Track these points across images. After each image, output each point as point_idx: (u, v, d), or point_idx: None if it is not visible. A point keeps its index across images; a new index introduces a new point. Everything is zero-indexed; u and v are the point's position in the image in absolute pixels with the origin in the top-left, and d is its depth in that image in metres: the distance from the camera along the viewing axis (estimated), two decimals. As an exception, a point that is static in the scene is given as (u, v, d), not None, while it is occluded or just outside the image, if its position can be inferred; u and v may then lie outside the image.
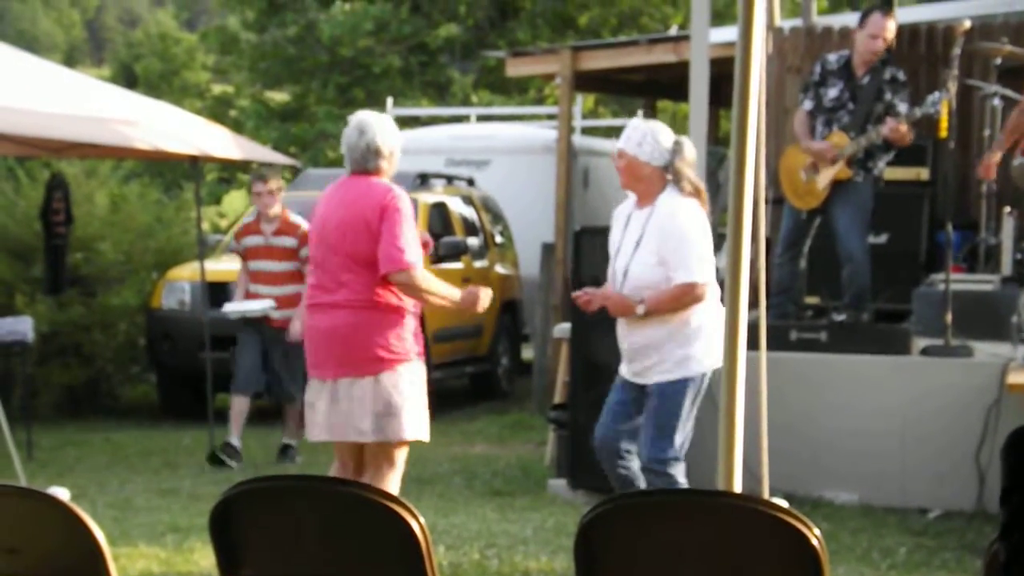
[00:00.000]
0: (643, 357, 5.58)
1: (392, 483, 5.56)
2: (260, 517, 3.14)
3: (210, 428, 9.41)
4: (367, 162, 5.59)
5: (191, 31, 36.48)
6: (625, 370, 5.70)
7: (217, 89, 28.13)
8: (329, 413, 5.51)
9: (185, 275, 10.89)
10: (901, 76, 7.74)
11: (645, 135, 5.62)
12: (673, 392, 5.49)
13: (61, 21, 67.18)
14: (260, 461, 8.95)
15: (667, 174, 5.60)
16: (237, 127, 20.31)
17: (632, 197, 5.74)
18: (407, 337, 5.49)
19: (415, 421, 5.51)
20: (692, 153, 5.68)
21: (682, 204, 5.57)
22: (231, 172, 24.47)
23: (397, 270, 5.40)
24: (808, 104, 7.82)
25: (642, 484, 5.57)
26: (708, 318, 5.48)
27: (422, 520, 2.95)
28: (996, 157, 8.01)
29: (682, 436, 5.54)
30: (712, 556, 2.92)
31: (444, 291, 5.58)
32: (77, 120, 8.77)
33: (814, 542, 2.79)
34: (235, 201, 27.10)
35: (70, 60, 52.25)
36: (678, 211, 5.55)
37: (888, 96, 7.65)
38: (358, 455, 5.66)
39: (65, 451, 9.42)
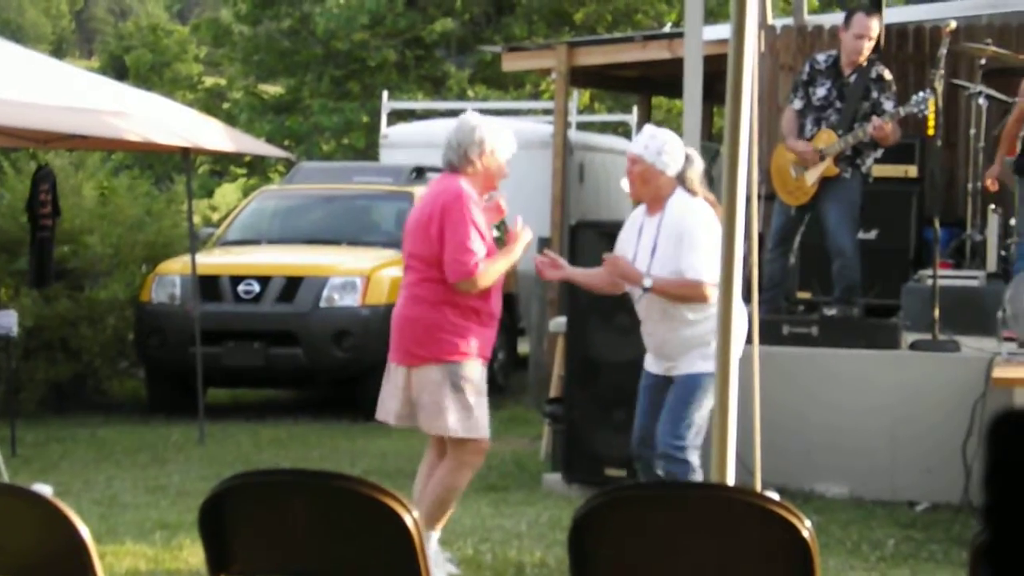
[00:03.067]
0: (672, 355, 5.65)
1: (457, 475, 5.62)
2: (250, 512, 3.12)
3: (200, 423, 9.41)
4: (450, 159, 5.63)
5: (182, 23, 36.43)
6: (654, 366, 5.75)
7: (209, 81, 28.06)
8: (382, 392, 5.71)
9: (176, 269, 10.80)
10: (887, 75, 7.81)
11: (664, 144, 5.66)
12: (696, 383, 5.55)
13: (49, 12, 66.87)
14: (250, 455, 8.94)
15: (677, 182, 5.66)
16: (230, 120, 20.28)
17: (642, 206, 5.78)
18: (448, 336, 5.50)
19: (451, 420, 5.51)
20: (702, 166, 5.76)
21: (692, 204, 5.62)
22: (223, 165, 24.43)
23: (462, 279, 5.47)
24: (797, 103, 7.89)
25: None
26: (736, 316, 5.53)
27: (415, 514, 2.95)
28: (996, 170, 8.10)
29: (699, 426, 5.60)
30: (705, 548, 2.95)
31: (504, 266, 5.61)
32: (65, 111, 8.69)
33: (805, 534, 2.82)
34: (228, 194, 27.05)
35: (58, 52, 52.05)
36: (688, 211, 5.61)
37: (875, 95, 7.71)
38: (439, 445, 5.73)
39: (50, 447, 9.28)
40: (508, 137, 5.69)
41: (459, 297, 5.51)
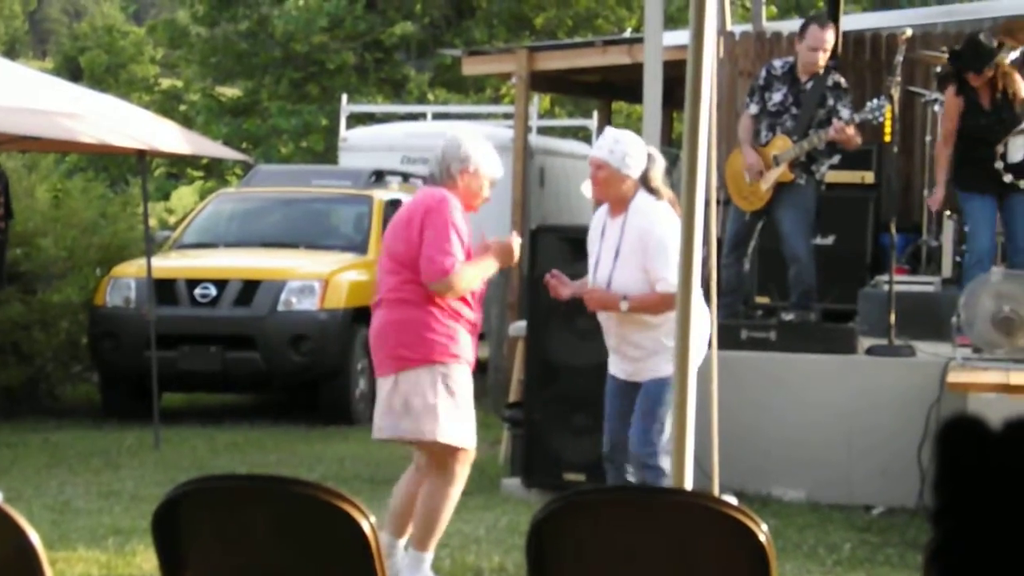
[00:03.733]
0: (637, 359, 5.64)
1: (445, 489, 5.50)
2: (205, 518, 3.09)
3: (155, 428, 9.33)
4: (432, 172, 5.58)
5: (138, 24, 36.18)
6: (618, 370, 5.74)
7: (166, 83, 27.89)
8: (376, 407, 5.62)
9: (131, 272, 10.69)
10: (844, 83, 7.87)
11: (628, 148, 5.66)
12: (662, 388, 5.53)
13: (1, 12, 66.22)
14: (206, 460, 8.87)
15: (639, 184, 5.66)
16: (187, 122, 20.16)
17: (604, 206, 5.78)
18: (438, 339, 5.41)
19: (441, 423, 5.40)
20: (663, 164, 5.75)
21: (656, 208, 5.62)
22: (180, 167, 24.27)
23: (436, 280, 5.37)
24: (754, 108, 7.93)
25: None
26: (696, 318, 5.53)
27: (373, 519, 2.93)
28: (940, 194, 8.20)
29: (669, 429, 5.55)
30: (662, 552, 2.94)
31: (481, 273, 5.53)
32: (18, 112, 8.58)
33: (762, 538, 2.82)
34: (184, 197, 26.89)
35: (11, 52, 51.46)
36: (654, 217, 5.59)
37: (831, 102, 7.77)
38: (427, 462, 5.61)
39: (1, 453, 9.13)
40: (494, 160, 5.61)
41: (443, 298, 5.42)
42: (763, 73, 7.99)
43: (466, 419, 5.48)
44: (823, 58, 7.80)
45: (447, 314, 5.43)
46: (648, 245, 5.54)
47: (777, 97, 7.86)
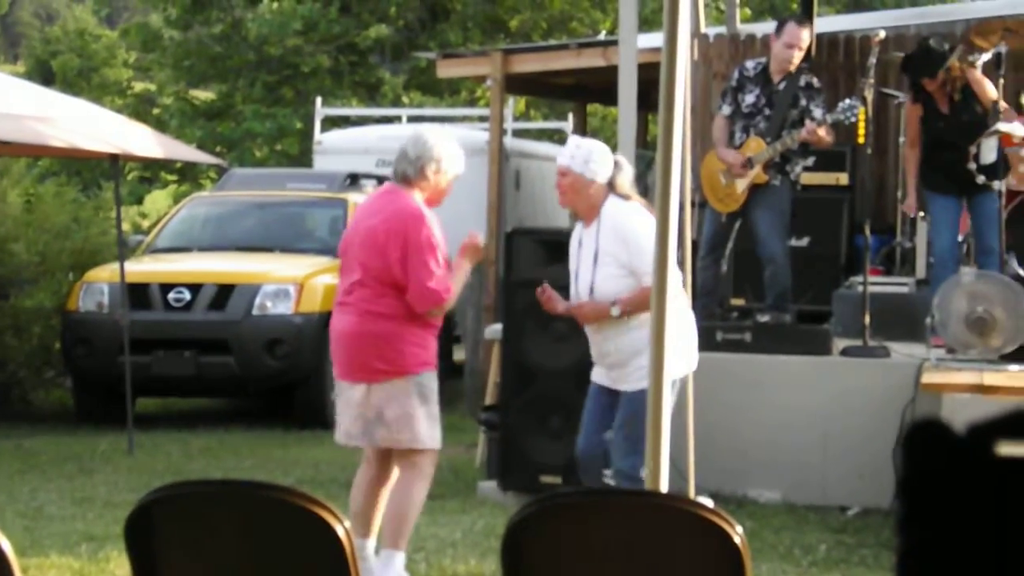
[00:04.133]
0: (620, 364, 5.61)
1: (418, 486, 5.56)
2: (179, 524, 3.07)
3: (129, 433, 9.28)
4: (405, 171, 5.58)
5: (111, 27, 36.02)
6: (601, 376, 5.71)
7: (139, 87, 27.77)
8: (336, 411, 5.66)
9: (104, 276, 10.64)
10: (816, 83, 7.90)
11: (591, 153, 5.65)
12: (641, 399, 5.48)
13: (-29, 16, 65.85)
14: (180, 465, 8.84)
15: (608, 189, 5.65)
16: (160, 126, 20.08)
17: (580, 224, 5.77)
18: (411, 348, 5.48)
19: (416, 431, 5.48)
20: (631, 172, 5.75)
21: (627, 207, 5.61)
22: (153, 171, 24.17)
23: (432, 306, 5.47)
24: (726, 109, 7.95)
25: None
26: (680, 324, 5.52)
27: (347, 524, 2.93)
28: (912, 199, 8.30)
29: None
30: (638, 555, 2.94)
31: (462, 281, 5.65)
32: (-10, 117, 8.59)
33: (737, 540, 2.82)
34: (158, 201, 26.78)
35: (-19, 57, 51.23)
36: (627, 215, 5.59)
37: (804, 102, 7.79)
38: (382, 458, 5.65)
39: (-27, 459, 9.09)
40: (460, 155, 5.69)
41: (393, 309, 5.48)
42: (736, 74, 8.02)
43: (437, 421, 5.59)
44: (798, 56, 7.82)
45: (420, 324, 5.51)
46: (627, 242, 5.53)
47: (750, 98, 7.88)
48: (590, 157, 5.62)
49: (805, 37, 7.86)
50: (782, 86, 7.84)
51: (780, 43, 7.85)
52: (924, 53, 7.93)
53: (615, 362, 5.63)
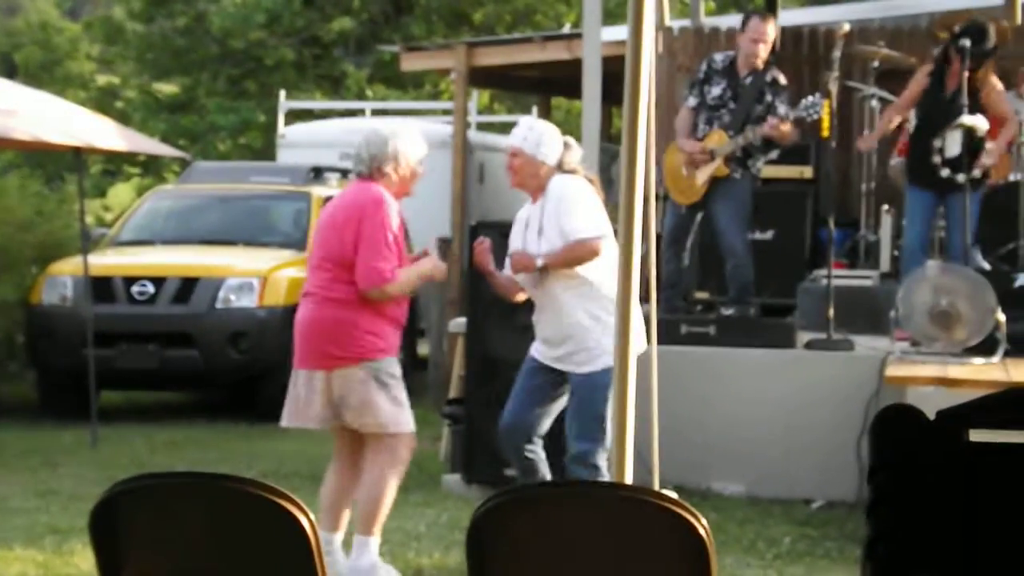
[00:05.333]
0: (564, 344, 5.65)
1: (391, 471, 5.59)
2: (143, 517, 3.06)
3: (93, 426, 9.24)
4: (361, 171, 5.61)
5: (74, 20, 35.77)
6: (542, 354, 5.74)
7: (102, 80, 27.59)
8: (289, 400, 5.65)
9: (68, 270, 10.58)
10: (782, 79, 7.93)
11: (542, 135, 5.74)
12: (598, 383, 5.53)
13: (-65, 9, 65.21)
14: (144, 458, 8.80)
15: (556, 170, 5.72)
16: (124, 119, 19.95)
17: (527, 204, 5.82)
18: (366, 335, 5.49)
19: (380, 416, 5.51)
20: (579, 153, 5.85)
21: (567, 178, 5.71)
22: (117, 164, 24.03)
23: (373, 287, 5.47)
24: (692, 101, 7.98)
25: (546, 470, 5.65)
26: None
27: (312, 516, 2.93)
28: (871, 137, 8.36)
29: (608, 425, 5.55)
30: (603, 547, 2.95)
31: (414, 280, 5.64)
32: (-48, 109, 8.54)
33: (701, 532, 2.83)
34: (121, 194, 26.62)
35: (-55, 49, 50.77)
36: (564, 184, 5.69)
37: (769, 98, 7.82)
38: (352, 443, 5.68)
39: (-63, 452, 9.05)
40: (418, 138, 5.73)
41: (351, 295, 5.52)
42: (703, 66, 8.04)
43: (403, 405, 5.60)
44: (764, 50, 7.84)
45: (376, 311, 5.53)
46: (559, 203, 5.62)
47: (716, 91, 7.91)
48: (541, 140, 5.72)
49: (769, 31, 7.90)
50: (748, 80, 7.87)
51: (745, 38, 7.88)
52: (979, 33, 7.81)
53: (555, 342, 5.67)
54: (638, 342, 5.70)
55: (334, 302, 5.51)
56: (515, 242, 5.84)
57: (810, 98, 7.72)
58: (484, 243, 5.84)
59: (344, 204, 5.64)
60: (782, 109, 7.77)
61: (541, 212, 5.71)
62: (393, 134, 5.65)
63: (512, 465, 5.90)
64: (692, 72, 8.28)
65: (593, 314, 5.58)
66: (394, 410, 5.56)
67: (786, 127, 7.71)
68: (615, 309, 3.73)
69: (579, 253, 5.57)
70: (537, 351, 5.80)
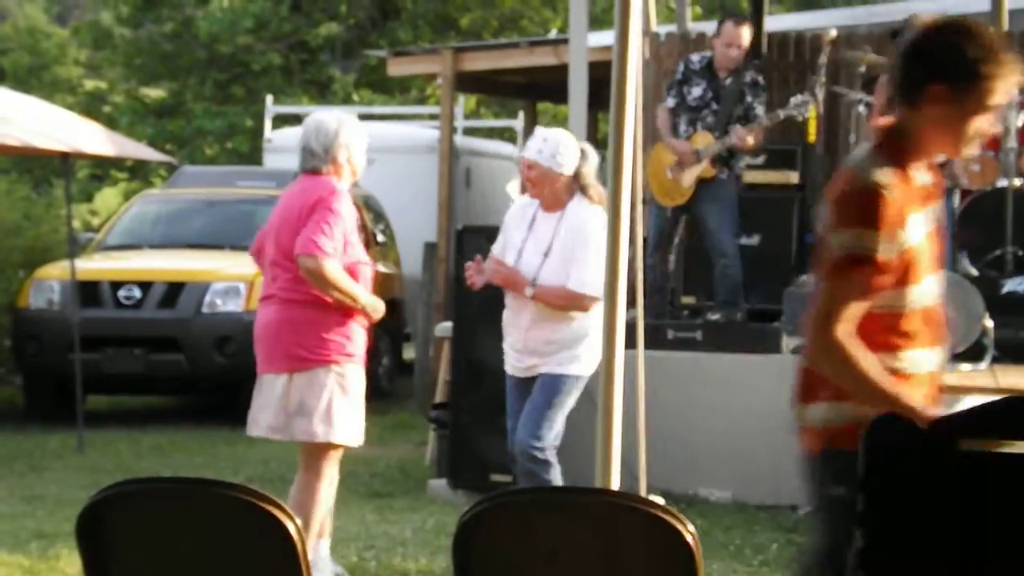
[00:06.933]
0: (536, 355, 5.68)
1: (317, 487, 5.46)
2: (130, 522, 3.05)
3: (79, 431, 9.23)
4: (316, 165, 5.50)
5: (62, 25, 35.71)
6: (516, 368, 5.76)
7: (90, 84, 27.56)
8: (253, 406, 5.54)
9: (55, 274, 10.60)
10: (761, 80, 7.97)
11: (558, 146, 5.68)
12: (558, 384, 5.60)
13: (-77, 13, 65.03)
14: (130, 463, 8.79)
15: (575, 181, 5.67)
16: (111, 123, 19.93)
17: (531, 200, 5.79)
18: (334, 338, 5.39)
19: (335, 424, 5.40)
20: (596, 160, 5.79)
21: (592, 213, 5.65)
22: (104, 169, 24.00)
23: (306, 254, 5.29)
24: (671, 102, 7.97)
25: (560, 481, 5.67)
26: (596, 323, 5.57)
27: (298, 522, 2.93)
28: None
29: (559, 426, 5.66)
30: (589, 553, 2.95)
31: (350, 289, 5.39)
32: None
33: (688, 539, 2.83)
34: (108, 199, 26.58)
35: (-68, 54, 50.59)
36: (589, 222, 5.63)
37: (748, 99, 7.85)
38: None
39: (-76, 456, 9.00)
40: (362, 129, 5.63)
41: (316, 295, 5.39)
42: (681, 67, 8.04)
43: (358, 418, 5.51)
44: (739, 55, 7.88)
45: (342, 313, 5.40)
46: (576, 245, 5.60)
47: (696, 92, 7.92)
48: (557, 150, 5.66)
49: (744, 35, 7.93)
50: (728, 82, 7.89)
51: (719, 43, 7.92)
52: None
53: (527, 352, 5.68)
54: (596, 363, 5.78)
55: (299, 304, 5.38)
56: (514, 232, 5.78)
57: (799, 96, 7.74)
58: (479, 264, 5.79)
59: (299, 201, 5.46)
60: (760, 110, 7.82)
61: (553, 232, 5.66)
62: (340, 123, 5.53)
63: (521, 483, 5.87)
64: (673, 72, 8.25)
65: (568, 330, 5.63)
66: (349, 420, 5.44)
67: (751, 140, 7.73)
68: (603, 315, 3.73)
69: (575, 304, 5.61)
70: (509, 366, 5.81)
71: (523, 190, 6.10)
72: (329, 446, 5.46)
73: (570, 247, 5.62)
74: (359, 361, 5.49)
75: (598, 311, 5.56)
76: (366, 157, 5.62)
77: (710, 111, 7.88)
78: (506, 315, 5.83)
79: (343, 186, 5.49)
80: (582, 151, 5.72)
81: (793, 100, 7.72)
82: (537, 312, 5.67)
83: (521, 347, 5.75)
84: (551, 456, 5.65)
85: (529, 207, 5.80)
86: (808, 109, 7.66)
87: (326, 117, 5.61)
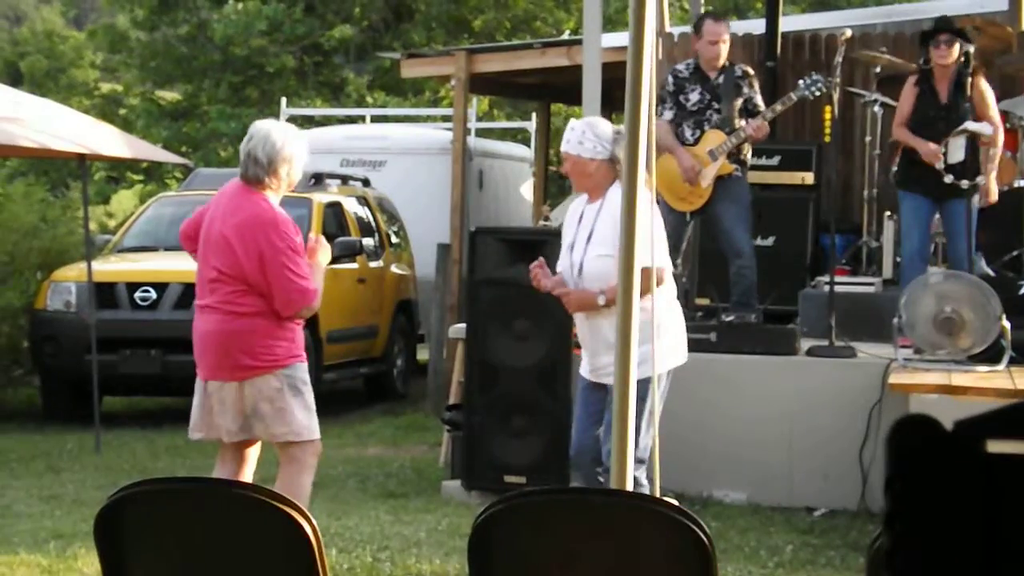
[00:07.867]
0: (607, 355, 5.52)
1: (298, 480, 5.51)
2: (147, 522, 3.07)
3: (96, 431, 9.27)
4: (249, 172, 5.51)
5: (78, 29, 35.84)
6: (587, 372, 5.61)
7: (106, 87, 27.66)
8: (200, 412, 5.55)
9: (72, 276, 10.66)
10: (750, 70, 8.01)
11: (584, 132, 5.53)
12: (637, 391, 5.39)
13: (-61, 18, 65.27)
14: (147, 463, 8.81)
15: (614, 165, 5.46)
16: (127, 126, 20.02)
17: (582, 196, 5.71)
18: (281, 343, 5.42)
19: (292, 424, 5.44)
20: None
21: None
22: (120, 171, 24.09)
23: (307, 305, 5.43)
24: (668, 114, 7.91)
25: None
26: (670, 316, 5.50)
27: (314, 523, 2.92)
28: (930, 146, 7.78)
29: (646, 436, 5.30)
30: (604, 554, 2.95)
31: (320, 277, 5.55)
32: (-42, 117, 8.57)
33: (704, 540, 2.83)
34: (124, 201, 26.67)
35: (-50, 58, 50.79)
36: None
37: (746, 91, 7.87)
38: (238, 455, 5.61)
39: (-58, 457, 9.07)
40: (306, 144, 5.65)
41: (255, 306, 5.43)
42: (669, 79, 8.01)
43: (312, 412, 5.53)
44: (724, 50, 7.88)
45: (285, 317, 5.45)
46: (619, 230, 5.45)
47: (694, 96, 7.91)
48: (584, 137, 5.50)
49: (724, 31, 7.95)
50: (720, 79, 7.89)
51: (703, 42, 7.92)
52: (944, 23, 7.84)
53: (599, 354, 5.48)
54: (680, 353, 5.70)
55: (242, 316, 5.39)
56: (567, 230, 5.70)
57: (810, 77, 7.73)
58: (542, 265, 5.60)
59: (238, 222, 5.46)
60: (758, 99, 7.85)
61: (595, 216, 5.51)
62: (286, 136, 5.52)
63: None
64: (662, 85, 8.20)
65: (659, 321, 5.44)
66: (306, 417, 5.47)
67: (766, 128, 7.76)
68: (618, 318, 3.73)
69: (644, 282, 5.35)
70: (584, 368, 5.65)
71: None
72: (294, 443, 5.50)
73: (615, 229, 5.47)
74: (303, 358, 5.54)
75: (670, 303, 5.52)
76: (303, 169, 5.65)
77: (713, 111, 7.88)
78: (581, 331, 5.64)
79: (277, 200, 5.51)
80: (617, 132, 5.51)
81: (804, 80, 7.71)
82: (588, 315, 5.53)
83: (590, 351, 5.56)
84: (636, 470, 5.18)
85: (580, 202, 5.72)
86: (820, 87, 7.65)
87: (274, 128, 5.61)
